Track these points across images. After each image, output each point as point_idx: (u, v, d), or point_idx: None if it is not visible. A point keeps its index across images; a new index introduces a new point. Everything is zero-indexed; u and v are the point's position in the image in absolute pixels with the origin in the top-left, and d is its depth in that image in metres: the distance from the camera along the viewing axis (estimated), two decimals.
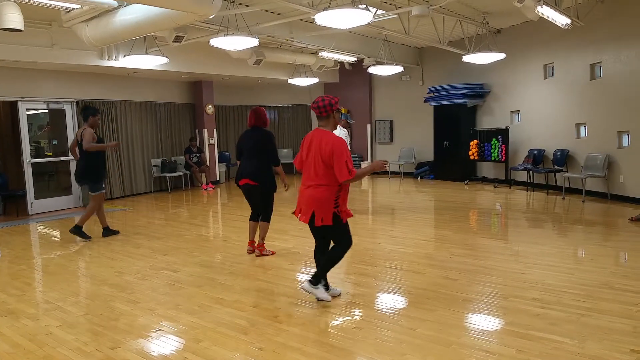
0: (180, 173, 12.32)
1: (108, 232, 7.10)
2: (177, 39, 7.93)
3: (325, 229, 3.96)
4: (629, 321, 3.54)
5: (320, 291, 4.09)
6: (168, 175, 12.02)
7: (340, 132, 7.46)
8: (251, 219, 5.79)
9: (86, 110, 6.87)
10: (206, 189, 12.32)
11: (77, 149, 6.85)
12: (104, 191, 7.02)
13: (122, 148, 11.28)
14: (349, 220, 4.09)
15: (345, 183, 3.86)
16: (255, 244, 5.79)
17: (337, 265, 4.21)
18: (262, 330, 3.60)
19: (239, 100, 15.14)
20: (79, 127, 10.26)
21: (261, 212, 5.65)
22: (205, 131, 12.99)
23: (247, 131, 5.65)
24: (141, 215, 8.96)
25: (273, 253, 5.80)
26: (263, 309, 4.06)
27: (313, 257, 4.25)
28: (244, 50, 9.28)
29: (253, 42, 7.45)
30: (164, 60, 8.87)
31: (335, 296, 4.22)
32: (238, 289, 4.58)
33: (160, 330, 3.67)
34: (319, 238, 4.17)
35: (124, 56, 9.14)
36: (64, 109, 10.28)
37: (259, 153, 5.45)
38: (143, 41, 8.76)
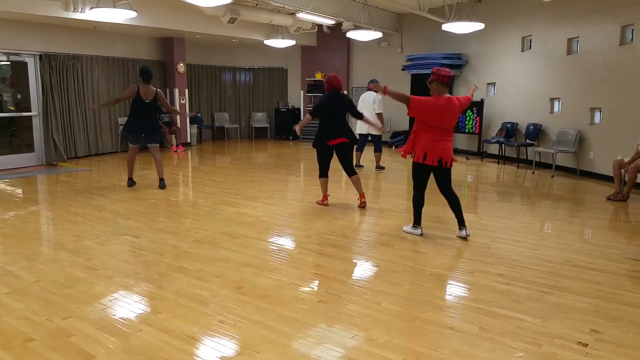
0: None
1: (132, 182, 7.75)
2: None
3: (449, 170, 5.08)
4: (591, 300, 3.56)
5: (465, 230, 5.13)
6: None
7: (376, 95, 9.02)
8: (323, 176, 6.40)
9: (144, 71, 7.33)
10: (176, 150, 12.03)
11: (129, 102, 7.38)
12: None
13: (87, 105, 10.85)
14: None
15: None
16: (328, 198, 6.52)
17: (306, 236, 5.20)
18: (223, 302, 3.50)
19: (213, 60, 14.66)
20: (41, 81, 9.85)
21: (347, 169, 6.35)
22: (176, 91, 12.58)
23: (328, 95, 6.27)
24: (106, 177, 8.68)
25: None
26: (226, 279, 3.95)
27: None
28: (217, 7, 8.89)
29: None
30: (133, 14, 8.38)
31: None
32: (202, 257, 4.46)
33: (116, 299, 3.54)
34: (439, 180, 5.19)
35: (90, 8, 8.62)
36: (26, 62, 9.77)
37: (344, 114, 6.27)
38: None
